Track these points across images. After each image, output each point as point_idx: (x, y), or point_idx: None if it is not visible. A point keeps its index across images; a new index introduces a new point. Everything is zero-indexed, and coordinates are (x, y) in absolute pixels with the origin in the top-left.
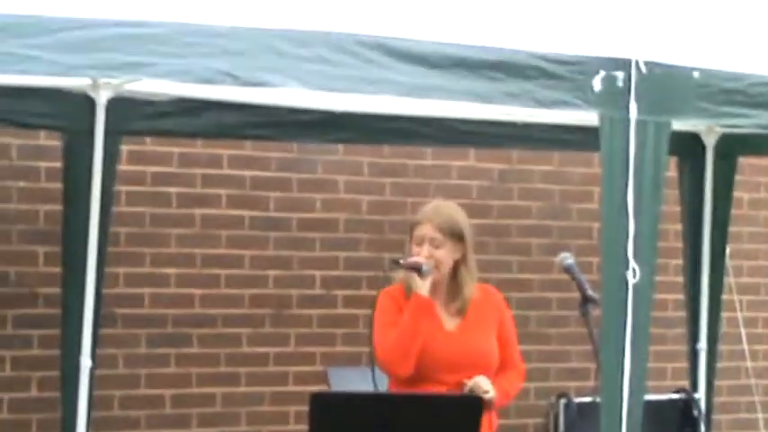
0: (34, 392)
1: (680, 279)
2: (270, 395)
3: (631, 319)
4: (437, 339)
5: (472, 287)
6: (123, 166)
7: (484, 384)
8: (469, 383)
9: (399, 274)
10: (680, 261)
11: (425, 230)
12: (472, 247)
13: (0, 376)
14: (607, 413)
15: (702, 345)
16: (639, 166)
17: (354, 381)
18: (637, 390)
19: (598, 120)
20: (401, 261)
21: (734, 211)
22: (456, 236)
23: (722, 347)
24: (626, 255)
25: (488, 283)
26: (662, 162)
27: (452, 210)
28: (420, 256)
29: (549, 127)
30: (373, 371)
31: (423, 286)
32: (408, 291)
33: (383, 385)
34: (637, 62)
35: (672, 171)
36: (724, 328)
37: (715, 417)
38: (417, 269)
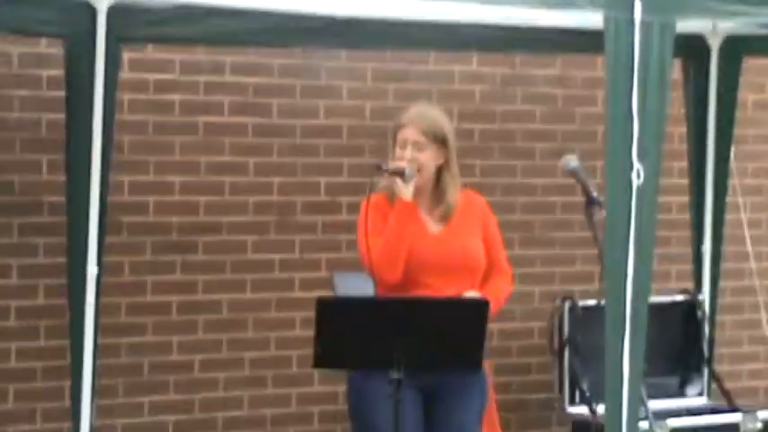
0: (41, 300)
1: (684, 181)
2: (276, 301)
3: (636, 222)
4: (423, 242)
5: (456, 192)
6: (125, 74)
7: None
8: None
9: (383, 182)
10: (684, 163)
11: (409, 133)
12: (455, 152)
13: (7, 284)
14: (612, 315)
15: (707, 246)
16: (644, 67)
17: (359, 286)
18: (642, 292)
19: (602, 21)
20: (383, 166)
21: (738, 113)
22: (439, 140)
23: (726, 249)
24: (630, 157)
25: (485, 190)
26: (667, 63)
27: (436, 114)
28: (403, 159)
29: (552, 30)
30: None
31: (406, 190)
32: (392, 197)
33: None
34: None
35: (676, 74)
36: (728, 230)
37: (719, 317)
38: (400, 174)
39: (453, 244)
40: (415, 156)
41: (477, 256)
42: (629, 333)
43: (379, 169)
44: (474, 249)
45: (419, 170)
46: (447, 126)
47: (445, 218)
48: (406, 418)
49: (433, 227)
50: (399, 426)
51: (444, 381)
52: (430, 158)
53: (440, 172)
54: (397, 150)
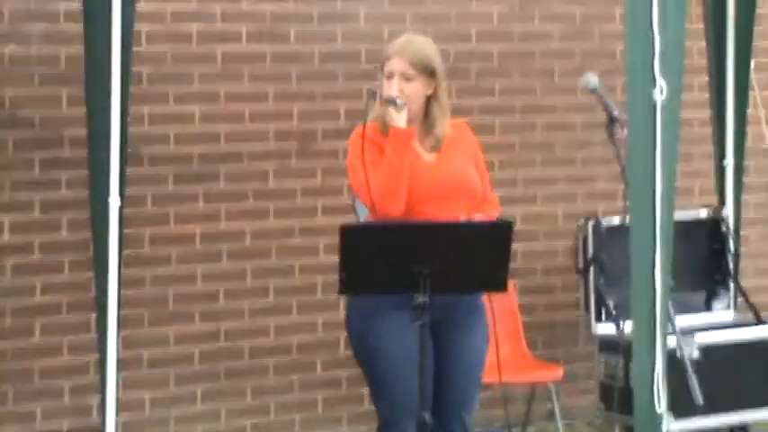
0: (65, 234)
1: (705, 96)
2: (299, 228)
3: (660, 138)
4: (418, 171)
5: (445, 123)
6: (142, 5)
7: None
8: None
9: (374, 112)
10: (705, 78)
11: (396, 65)
12: (444, 81)
13: (30, 219)
14: (637, 233)
15: (729, 161)
16: None
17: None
18: (666, 208)
19: None
20: (377, 94)
21: (757, 27)
22: (428, 71)
23: (749, 162)
24: (653, 72)
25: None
26: None
27: (424, 44)
28: (391, 90)
29: None
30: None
31: (399, 119)
32: (384, 127)
33: None
34: None
35: None
36: (750, 143)
37: (743, 232)
38: (392, 102)
39: (448, 171)
40: (402, 87)
41: (473, 180)
42: (655, 250)
43: (373, 96)
44: (469, 175)
45: (407, 101)
46: (435, 56)
47: (435, 148)
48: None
49: (426, 156)
50: (425, 352)
51: (449, 308)
52: (418, 89)
53: (428, 103)
54: (385, 81)
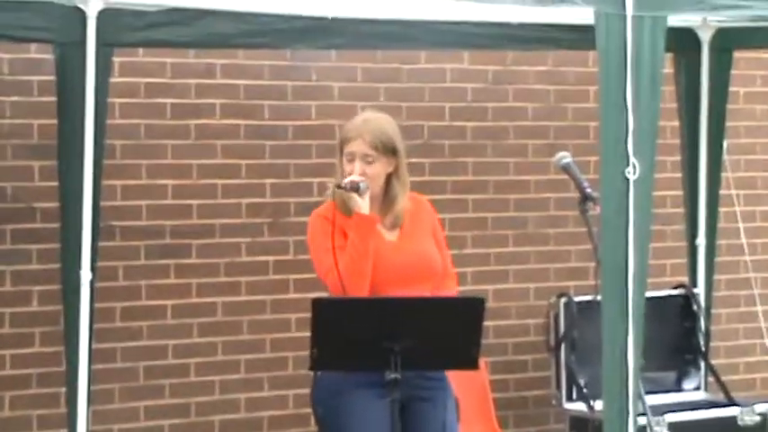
0: (35, 306)
1: (678, 175)
2: (271, 303)
3: (633, 215)
4: (381, 252)
5: (405, 199)
6: (116, 79)
7: None
8: None
9: (328, 191)
10: (677, 157)
11: (357, 147)
12: (404, 158)
13: (1, 291)
14: (609, 311)
15: (701, 240)
16: (636, 62)
17: None
18: (639, 286)
19: (593, 17)
20: (342, 184)
21: (730, 106)
22: (389, 150)
23: (721, 242)
24: (626, 151)
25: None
26: (659, 58)
27: (384, 122)
28: (352, 173)
29: (543, 26)
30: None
31: (363, 205)
32: (346, 210)
33: None
34: None
35: (668, 68)
36: (722, 223)
37: (715, 311)
38: (356, 189)
39: (411, 250)
40: (364, 169)
41: (435, 259)
42: (626, 327)
43: (339, 188)
44: (431, 254)
45: (370, 183)
46: (395, 134)
47: (395, 225)
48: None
49: (388, 235)
50: (396, 427)
51: (415, 388)
52: (380, 170)
53: (389, 180)
54: (345, 164)
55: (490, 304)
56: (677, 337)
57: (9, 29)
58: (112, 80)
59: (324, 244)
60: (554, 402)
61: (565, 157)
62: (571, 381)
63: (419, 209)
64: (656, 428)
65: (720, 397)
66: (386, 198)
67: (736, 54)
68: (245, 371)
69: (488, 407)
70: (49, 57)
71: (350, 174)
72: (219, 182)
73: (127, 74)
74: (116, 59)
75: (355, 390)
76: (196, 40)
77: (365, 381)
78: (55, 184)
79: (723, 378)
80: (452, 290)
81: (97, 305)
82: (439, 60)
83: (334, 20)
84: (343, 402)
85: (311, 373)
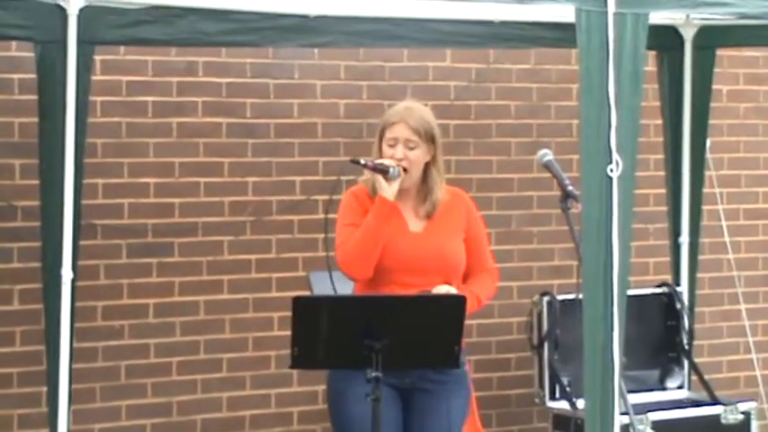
0: (16, 305)
1: (661, 173)
2: (253, 302)
3: (615, 213)
4: (402, 241)
5: (441, 189)
6: (97, 77)
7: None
8: (433, 292)
9: (365, 175)
10: (660, 156)
11: (400, 132)
12: (441, 148)
13: None
14: (590, 310)
15: (684, 238)
16: (618, 59)
17: (337, 285)
18: (620, 284)
19: (574, 14)
20: (363, 161)
21: (713, 104)
22: (429, 137)
23: (704, 240)
24: (608, 148)
25: (460, 186)
26: (640, 55)
27: (425, 111)
28: (393, 157)
29: (525, 24)
30: (331, 275)
31: (388, 189)
32: (373, 191)
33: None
34: None
35: (651, 66)
36: (705, 221)
37: (698, 309)
38: (383, 171)
39: (432, 244)
40: (406, 154)
41: (455, 256)
42: (608, 326)
43: (356, 164)
44: (452, 250)
45: (409, 168)
46: (434, 123)
47: (429, 215)
48: (384, 418)
49: (415, 225)
50: (378, 426)
51: (422, 379)
52: (420, 157)
53: (427, 168)
54: (386, 149)
55: None
56: (660, 335)
57: None
58: (94, 78)
59: (342, 219)
60: (537, 401)
61: (546, 154)
62: (554, 379)
63: (457, 203)
64: (639, 427)
65: (704, 395)
66: (423, 186)
67: (719, 52)
68: (227, 370)
69: (472, 405)
70: (30, 55)
71: (390, 158)
72: (202, 180)
73: (108, 72)
74: (97, 57)
75: (355, 388)
76: (178, 38)
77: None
78: (36, 182)
79: (706, 376)
80: (487, 284)
81: (78, 304)
82: (421, 58)
83: (317, 18)
84: (349, 387)
85: (293, 371)
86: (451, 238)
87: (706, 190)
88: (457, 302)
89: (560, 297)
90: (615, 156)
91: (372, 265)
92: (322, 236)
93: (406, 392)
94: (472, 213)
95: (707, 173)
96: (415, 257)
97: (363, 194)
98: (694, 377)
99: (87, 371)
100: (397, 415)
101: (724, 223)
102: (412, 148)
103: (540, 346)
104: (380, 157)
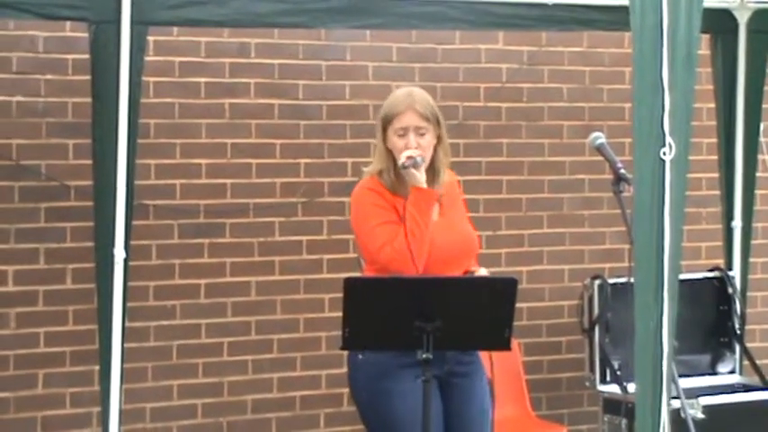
0: (69, 284)
1: (714, 157)
2: (304, 283)
3: (668, 196)
4: (431, 233)
5: (447, 170)
6: (150, 57)
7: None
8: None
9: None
10: (713, 139)
11: (409, 120)
12: (445, 128)
13: (35, 269)
14: (642, 293)
15: (737, 222)
16: (672, 42)
17: None
18: (672, 269)
19: None
20: (403, 163)
21: (767, 88)
22: (435, 119)
23: (757, 225)
24: (662, 131)
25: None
26: (694, 37)
27: (425, 94)
28: (407, 147)
29: (578, 7)
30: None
31: (422, 179)
32: (392, 185)
33: None
34: None
35: (704, 49)
36: (758, 206)
37: (750, 294)
38: (416, 165)
39: (457, 231)
40: (418, 142)
41: (474, 238)
42: (660, 310)
43: (405, 169)
44: (471, 233)
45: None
46: (435, 104)
47: (438, 199)
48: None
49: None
50: (428, 407)
51: (457, 363)
52: (431, 141)
53: (434, 150)
54: (395, 139)
55: (524, 286)
56: (712, 320)
57: (44, 7)
58: (147, 59)
59: (375, 218)
60: (587, 384)
61: (599, 137)
62: (605, 363)
63: (450, 185)
64: (690, 411)
65: (755, 380)
66: (431, 169)
67: None
68: (277, 350)
69: (521, 388)
70: (84, 35)
71: (404, 149)
72: (254, 161)
73: (161, 53)
74: (150, 38)
75: (393, 373)
76: (231, 18)
77: (402, 362)
78: (89, 162)
79: (758, 361)
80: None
81: (130, 284)
82: (474, 41)
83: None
84: (383, 386)
85: (344, 353)
86: (465, 223)
87: (759, 174)
88: (509, 285)
89: (611, 281)
90: (668, 139)
91: (424, 261)
92: None
93: (443, 381)
94: (460, 191)
95: (760, 157)
96: (444, 247)
97: (380, 188)
98: (746, 362)
99: (139, 350)
100: (438, 410)
101: None
102: (423, 134)
103: (591, 329)
104: (386, 149)
